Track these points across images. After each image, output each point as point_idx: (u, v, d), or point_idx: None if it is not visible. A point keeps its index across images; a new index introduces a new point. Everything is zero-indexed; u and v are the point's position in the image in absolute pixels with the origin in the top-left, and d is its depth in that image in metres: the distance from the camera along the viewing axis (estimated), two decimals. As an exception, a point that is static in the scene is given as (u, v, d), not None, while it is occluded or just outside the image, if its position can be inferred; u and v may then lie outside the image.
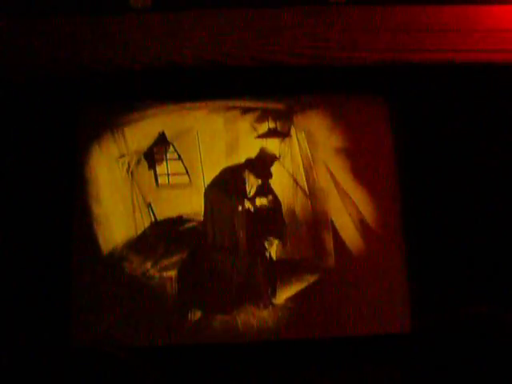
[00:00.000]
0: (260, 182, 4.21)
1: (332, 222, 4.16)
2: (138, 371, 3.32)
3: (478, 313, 3.68)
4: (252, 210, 4.15)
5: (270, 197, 4.18)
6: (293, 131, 4.25)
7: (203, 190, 4.19)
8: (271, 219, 4.16)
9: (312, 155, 4.24)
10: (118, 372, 3.27)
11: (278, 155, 4.21)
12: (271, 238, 4.14)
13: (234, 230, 4.14)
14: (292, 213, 4.18)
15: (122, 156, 4.21)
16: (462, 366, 3.44)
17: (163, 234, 4.15)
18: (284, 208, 4.18)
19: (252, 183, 4.21)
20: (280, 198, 4.20)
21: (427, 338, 3.79)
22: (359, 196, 4.17)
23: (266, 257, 4.12)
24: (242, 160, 4.23)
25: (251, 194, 4.20)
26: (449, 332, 3.68)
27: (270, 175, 4.20)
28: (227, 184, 4.20)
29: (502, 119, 4.12)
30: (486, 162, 4.08)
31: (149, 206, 4.18)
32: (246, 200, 4.17)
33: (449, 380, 3.43)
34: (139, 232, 4.14)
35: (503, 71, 4.04)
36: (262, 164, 4.21)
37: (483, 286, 3.92)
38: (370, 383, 3.70)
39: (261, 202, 4.16)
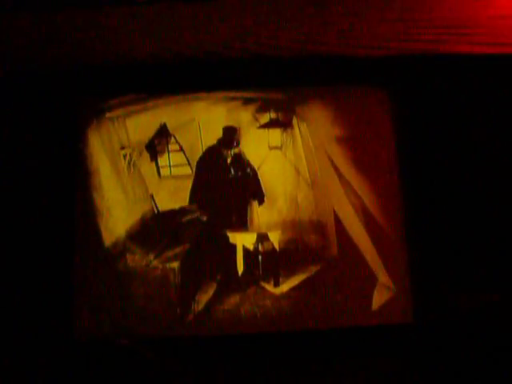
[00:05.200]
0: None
1: (334, 211, 4.17)
2: (146, 362, 3.35)
3: (479, 301, 3.70)
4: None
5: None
6: (294, 121, 4.25)
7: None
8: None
9: (313, 145, 4.24)
10: (125, 362, 3.30)
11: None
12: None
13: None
14: (294, 203, 4.19)
15: (124, 148, 4.21)
16: (464, 355, 3.47)
17: (166, 226, 4.16)
18: (286, 198, 4.19)
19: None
20: (281, 187, 4.21)
21: (429, 328, 3.81)
22: (361, 185, 4.18)
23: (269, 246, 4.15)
24: (243, 150, 4.25)
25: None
26: (450, 321, 3.71)
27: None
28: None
29: (503, 110, 4.11)
30: (485, 151, 4.09)
31: (151, 197, 4.18)
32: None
33: (451, 369, 3.46)
34: (142, 223, 4.15)
35: (504, 62, 4.02)
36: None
37: (483, 276, 3.93)
38: (373, 373, 3.73)
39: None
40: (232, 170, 4.25)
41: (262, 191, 4.21)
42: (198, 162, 4.24)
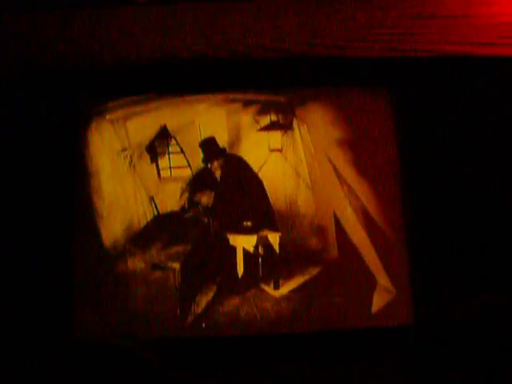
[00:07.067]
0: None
1: (334, 213, 4.16)
2: (145, 364, 3.33)
3: (479, 303, 3.69)
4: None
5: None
6: (295, 124, 4.25)
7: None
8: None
9: (314, 147, 4.24)
10: (124, 363, 3.29)
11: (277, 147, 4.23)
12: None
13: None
14: (294, 205, 4.18)
15: (124, 149, 4.21)
16: (464, 357, 3.45)
17: (166, 227, 4.16)
18: (286, 200, 4.19)
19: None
20: (282, 190, 4.20)
21: (429, 330, 3.80)
22: (361, 187, 4.17)
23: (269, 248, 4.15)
24: (244, 152, 4.24)
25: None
26: (451, 323, 3.69)
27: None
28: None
29: (504, 111, 4.11)
30: (487, 152, 4.08)
31: (151, 199, 4.18)
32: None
33: (451, 371, 3.44)
34: (142, 225, 4.15)
35: (506, 63, 4.02)
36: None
37: (483, 278, 3.92)
38: (373, 375, 3.71)
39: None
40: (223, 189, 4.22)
41: (272, 214, 4.18)
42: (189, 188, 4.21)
